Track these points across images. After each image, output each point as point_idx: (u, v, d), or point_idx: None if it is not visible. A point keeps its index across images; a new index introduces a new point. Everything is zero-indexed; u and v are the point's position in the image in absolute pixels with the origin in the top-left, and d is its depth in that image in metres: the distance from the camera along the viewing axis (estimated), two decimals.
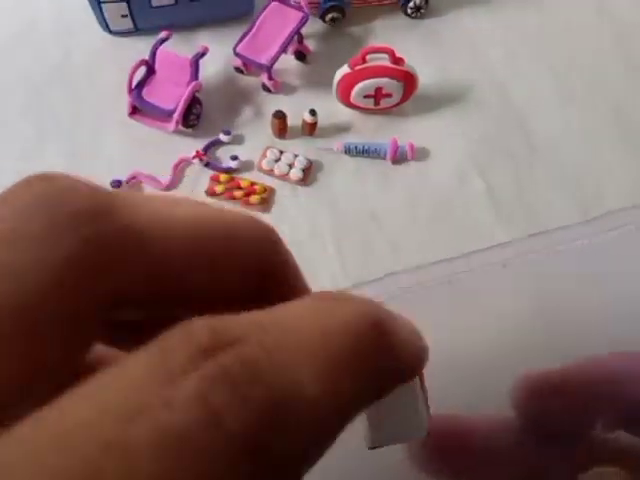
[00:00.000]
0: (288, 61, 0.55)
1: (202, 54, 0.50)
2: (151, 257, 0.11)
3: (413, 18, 0.58)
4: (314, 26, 0.57)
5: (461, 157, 0.51)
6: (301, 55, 0.55)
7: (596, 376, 0.21)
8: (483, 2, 0.59)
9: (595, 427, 0.21)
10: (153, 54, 0.50)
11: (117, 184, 0.48)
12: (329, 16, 0.56)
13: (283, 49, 0.52)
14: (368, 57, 0.49)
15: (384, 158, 0.50)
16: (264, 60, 0.51)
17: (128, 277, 0.10)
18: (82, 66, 0.56)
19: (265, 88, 0.53)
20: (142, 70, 0.51)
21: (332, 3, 0.55)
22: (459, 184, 0.50)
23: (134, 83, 0.50)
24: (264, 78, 0.53)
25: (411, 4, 0.57)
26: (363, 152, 0.50)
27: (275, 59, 0.51)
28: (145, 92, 0.50)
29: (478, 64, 0.56)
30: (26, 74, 0.55)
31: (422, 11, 0.57)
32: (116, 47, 0.56)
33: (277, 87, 0.53)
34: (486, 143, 0.52)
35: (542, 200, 0.49)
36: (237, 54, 0.52)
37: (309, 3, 0.54)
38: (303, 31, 0.54)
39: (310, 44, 0.56)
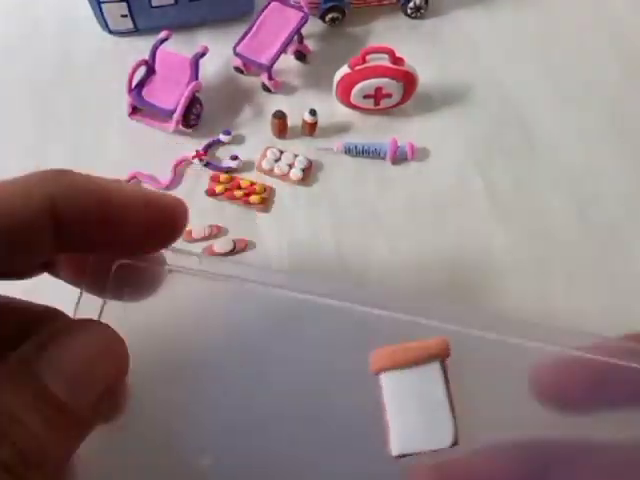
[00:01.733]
0: (288, 61, 0.55)
1: (202, 54, 0.50)
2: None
3: (413, 18, 0.58)
4: (314, 26, 0.57)
5: (461, 157, 0.51)
6: (301, 55, 0.55)
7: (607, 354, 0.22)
8: (482, 3, 0.59)
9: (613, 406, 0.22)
10: (153, 54, 0.50)
11: None
12: (329, 16, 0.56)
13: (283, 49, 0.52)
14: (368, 57, 0.49)
15: (384, 158, 0.50)
16: (264, 60, 0.51)
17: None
18: (83, 66, 0.56)
19: (265, 88, 0.54)
20: (142, 70, 0.51)
21: (332, 3, 0.56)
22: (458, 184, 0.50)
23: (134, 83, 0.50)
24: (264, 78, 0.53)
25: (411, 4, 0.57)
26: (363, 152, 0.50)
27: (275, 59, 0.51)
28: (145, 92, 0.50)
29: (478, 64, 0.56)
30: (28, 74, 0.55)
31: (422, 11, 0.57)
32: (116, 47, 0.57)
33: (277, 87, 0.53)
34: (485, 143, 0.52)
35: (541, 199, 0.49)
36: (237, 54, 0.52)
37: (309, 3, 0.54)
38: (303, 31, 0.54)
39: (310, 44, 0.56)
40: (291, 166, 0.50)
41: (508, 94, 0.54)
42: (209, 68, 0.54)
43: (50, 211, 0.18)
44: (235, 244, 0.46)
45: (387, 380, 0.21)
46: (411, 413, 0.20)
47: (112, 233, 0.19)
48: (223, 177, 0.49)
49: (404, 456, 0.20)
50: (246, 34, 0.52)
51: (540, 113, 0.53)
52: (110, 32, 0.56)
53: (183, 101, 0.49)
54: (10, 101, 0.54)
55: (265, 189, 0.49)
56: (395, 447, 0.20)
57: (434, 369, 0.21)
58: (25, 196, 0.18)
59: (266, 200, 0.49)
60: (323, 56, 0.56)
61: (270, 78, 0.52)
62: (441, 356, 0.21)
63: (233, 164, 0.50)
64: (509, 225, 0.48)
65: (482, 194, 0.50)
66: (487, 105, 0.54)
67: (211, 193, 0.49)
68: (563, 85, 0.55)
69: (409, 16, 0.58)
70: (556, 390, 0.22)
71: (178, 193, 0.49)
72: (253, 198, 0.48)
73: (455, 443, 0.20)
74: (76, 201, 0.19)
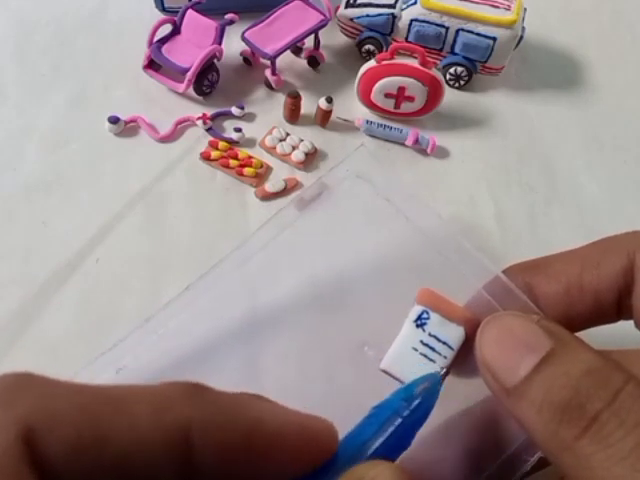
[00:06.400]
0: (299, 64, 0.53)
1: (230, 21, 0.49)
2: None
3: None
4: (338, 40, 0.55)
5: (475, 180, 0.48)
6: (314, 61, 0.53)
7: None
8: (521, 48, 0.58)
9: None
10: (182, 14, 0.49)
11: (115, 120, 0.46)
12: (365, 48, 0.53)
13: (291, 45, 0.50)
14: (397, 56, 0.47)
15: (404, 142, 0.48)
16: (269, 50, 0.49)
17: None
18: (114, 22, 0.55)
19: (268, 84, 0.51)
20: (168, 29, 0.50)
21: (372, 34, 0.52)
22: (469, 203, 0.46)
23: (157, 38, 0.49)
24: (268, 73, 0.50)
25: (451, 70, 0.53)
26: (384, 128, 0.47)
27: (280, 52, 0.49)
28: (165, 48, 0.49)
29: (508, 96, 0.54)
30: (58, 17, 0.55)
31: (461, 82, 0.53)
32: (154, 17, 0.56)
33: (279, 84, 0.51)
34: (504, 172, 0.49)
35: (554, 236, 0.45)
36: (244, 39, 0.49)
37: (351, 27, 0.53)
38: (326, 41, 0.53)
39: (327, 55, 0.54)
40: (295, 148, 0.47)
41: (536, 130, 0.52)
42: (234, 45, 0.52)
43: (184, 439, 0.15)
44: (286, 184, 0.45)
45: (418, 312, 0.22)
46: (415, 348, 0.22)
47: (255, 467, 0.16)
48: (222, 145, 0.47)
49: (387, 373, 0.22)
50: (259, 22, 0.50)
51: (566, 155, 0.50)
52: (163, 9, 0.54)
53: (199, 61, 0.47)
54: (34, 38, 0.53)
55: (262, 165, 0.46)
56: (384, 363, 0.22)
57: (457, 332, 0.22)
58: (156, 416, 0.15)
59: (260, 176, 0.45)
60: (336, 69, 0.54)
61: (274, 73, 0.50)
62: (468, 327, 0.22)
63: (235, 136, 0.47)
64: (516, 255, 0.44)
65: (492, 220, 0.46)
66: (511, 136, 0.51)
67: (205, 157, 0.46)
68: (594, 135, 0.52)
69: (447, 83, 0.52)
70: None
71: (173, 149, 0.47)
72: (247, 170, 0.45)
73: None
74: (218, 430, 0.15)
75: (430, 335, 0.22)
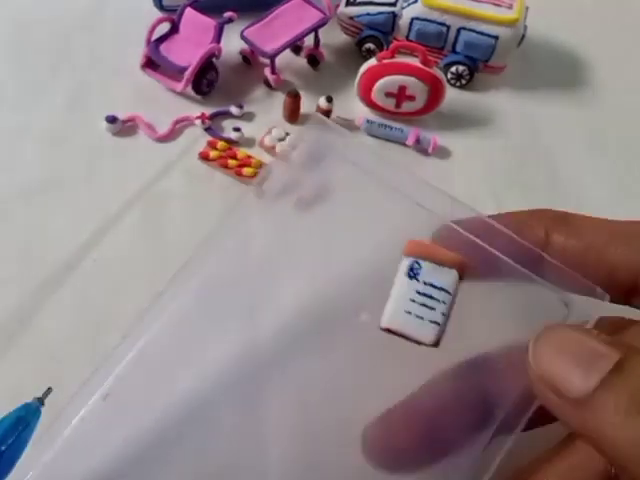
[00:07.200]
0: (299, 62, 0.53)
1: (229, 20, 0.48)
2: None
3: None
4: (337, 38, 0.54)
5: (476, 180, 0.47)
6: (313, 59, 0.53)
7: None
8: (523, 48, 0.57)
9: None
10: (181, 12, 0.49)
11: (112, 119, 0.46)
12: (365, 46, 0.53)
13: (291, 44, 0.49)
14: (397, 55, 0.46)
15: (404, 142, 0.47)
16: (268, 49, 0.48)
17: None
18: (112, 21, 0.55)
19: (267, 84, 0.51)
20: (167, 27, 0.49)
21: (372, 33, 0.52)
22: (470, 204, 0.46)
23: (155, 37, 0.49)
24: (267, 72, 0.50)
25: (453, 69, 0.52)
26: (385, 127, 0.47)
27: (279, 51, 0.48)
28: (163, 47, 0.49)
29: (511, 95, 0.53)
30: (55, 15, 0.55)
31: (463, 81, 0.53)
32: (152, 15, 0.55)
33: (278, 83, 0.50)
34: (506, 172, 0.48)
35: None
36: (243, 37, 0.49)
37: (351, 26, 0.52)
38: (326, 40, 0.52)
39: (327, 54, 0.53)
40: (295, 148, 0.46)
41: (538, 131, 0.51)
42: (233, 43, 0.51)
43: None
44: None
45: (408, 264, 0.22)
46: (413, 299, 0.22)
47: None
48: (221, 144, 0.46)
49: (389, 331, 0.22)
50: (259, 21, 0.49)
51: (569, 157, 0.50)
52: (161, 7, 0.54)
53: (198, 60, 0.47)
54: (31, 38, 0.53)
55: (261, 165, 0.46)
56: (385, 319, 0.22)
57: (451, 275, 0.22)
58: None
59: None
60: (336, 68, 0.53)
61: (273, 72, 0.50)
62: (461, 270, 0.22)
63: (234, 136, 0.47)
64: None
65: None
66: (513, 136, 0.50)
67: (204, 156, 0.45)
68: (598, 136, 0.51)
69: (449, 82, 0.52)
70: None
71: (171, 149, 0.46)
72: (246, 170, 0.45)
73: (436, 345, 0.22)
74: None
75: (425, 284, 0.22)
